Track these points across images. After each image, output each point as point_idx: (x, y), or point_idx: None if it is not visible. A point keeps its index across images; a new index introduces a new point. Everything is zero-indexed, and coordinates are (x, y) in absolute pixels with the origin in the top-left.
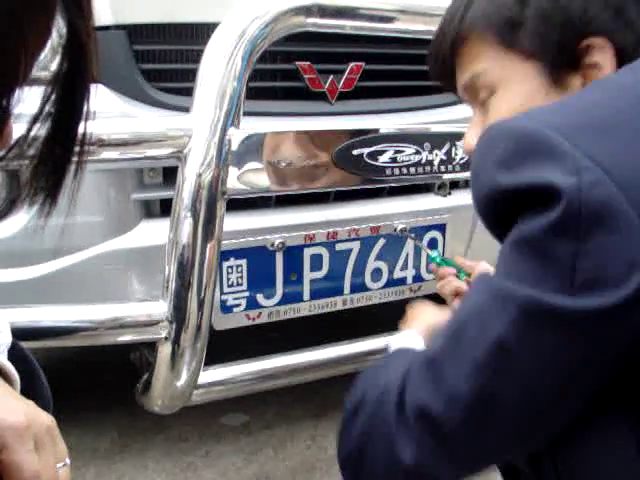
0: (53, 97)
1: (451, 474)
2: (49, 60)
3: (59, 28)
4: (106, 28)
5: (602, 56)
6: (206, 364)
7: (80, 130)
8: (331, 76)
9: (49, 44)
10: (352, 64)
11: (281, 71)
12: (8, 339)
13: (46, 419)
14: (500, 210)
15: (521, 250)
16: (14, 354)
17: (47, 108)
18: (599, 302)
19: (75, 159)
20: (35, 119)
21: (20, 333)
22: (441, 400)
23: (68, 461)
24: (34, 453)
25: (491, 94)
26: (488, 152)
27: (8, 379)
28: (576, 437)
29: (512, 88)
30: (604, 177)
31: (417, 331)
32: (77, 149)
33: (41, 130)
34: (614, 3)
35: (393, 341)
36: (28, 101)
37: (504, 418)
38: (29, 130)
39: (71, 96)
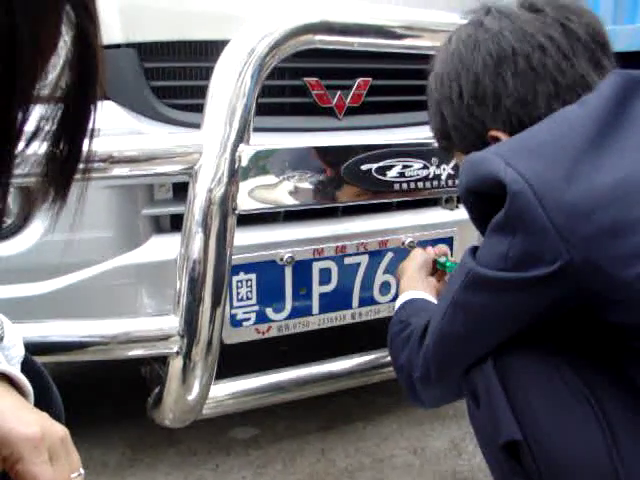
0: (59, 114)
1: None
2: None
3: (66, 43)
4: (117, 46)
5: (502, 138)
6: (216, 378)
7: (85, 147)
8: (339, 92)
9: (54, 61)
10: (359, 80)
11: (289, 87)
12: (21, 352)
13: (60, 430)
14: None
15: (488, 234)
16: (27, 367)
17: (51, 125)
18: (520, 276)
19: (80, 176)
20: (37, 136)
21: (33, 348)
22: (430, 336)
23: (82, 471)
24: (49, 464)
25: None
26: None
27: (22, 391)
28: (514, 349)
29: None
30: (526, 188)
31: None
32: (82, 166)
33: (44, 147)
34: (491, 103)
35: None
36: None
37: (455, 340)
38: (26, 146)
39: (76, 113)
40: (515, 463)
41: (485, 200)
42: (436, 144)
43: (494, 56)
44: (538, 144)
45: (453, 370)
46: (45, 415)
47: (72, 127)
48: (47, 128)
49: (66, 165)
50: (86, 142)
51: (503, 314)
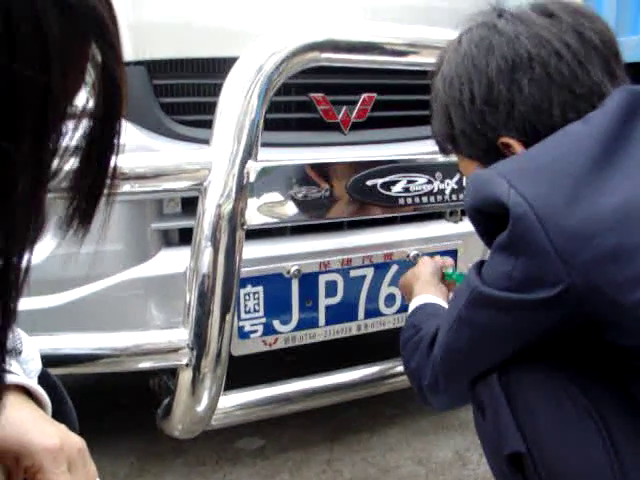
0: (87, 131)
1: (443, 392)
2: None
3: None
4: (127, 64)
5: (514, 145)
6: (224, 389)
7: (111, 163)
8: (344, 107)
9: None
10: (364, 95)
11: (296, 103)
12: (38, 366)
13: (78, 441)
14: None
15: (493, 254)
16: (43, 380)
17: (81, 142)
18: (524, 298)
19: (106, 191)
20: (69, 153)
21: (46, 360)
22: (438, 348)
23: None
24: (68, 474)
25: None
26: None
27: (40, 404)
28: (520, 364)
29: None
30: (529, 211)
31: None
32: (108, 182)
33: (73, 163)
34: (504, 109)
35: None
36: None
37: (461, 354)
38: (62, 163)
39: (104, 130)
40: (519, 475)
41: (490, 218)
42: (440, 154)
43: (509, 61)
44: (542, 165)
45: (460, 381)
46: (63, 427)
47: (101, 144)
48: (79, 143)
49: (95, 182)
50: (112, 159)
51: (506, 332)
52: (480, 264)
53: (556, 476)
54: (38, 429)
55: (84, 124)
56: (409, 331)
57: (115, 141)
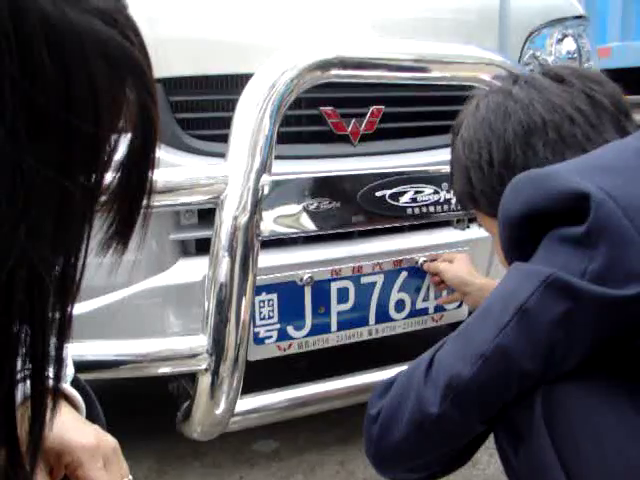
0: (125, 160)
1: (464, 421)
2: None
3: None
4: None
5: None
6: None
7: (147, 186)
8: (353, 120)
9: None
10: (373, 108)
11: (307, 116)
12: (72, 371)
13: (112, 441)
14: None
15: (555, 248)
16: (75, 385)
17: (123, 160)
18: (602, 292)
19: (145, 204)
20: (113, 169)
21: (73, 365)
22: (467, 360)
23: (131, 477)
24: (104, 470)
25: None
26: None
27: (75, 406)
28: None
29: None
30: (608, 199)
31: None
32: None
33: (116, 179)
34: (520, 171)
35: None
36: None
37: (513, 362)
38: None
39: (140, 160)
40: None
41: (536, 225)
42: (461, 209)
43: (525, 126)
44: (607, 163)
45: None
46: (98, 427)
47: (138, 172)
48: (122, 161)
49: (135, 196)
50: (148, 182)
51: (585, 331)
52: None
53: None
54: (76, 429)
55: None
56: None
57: (150, 172)
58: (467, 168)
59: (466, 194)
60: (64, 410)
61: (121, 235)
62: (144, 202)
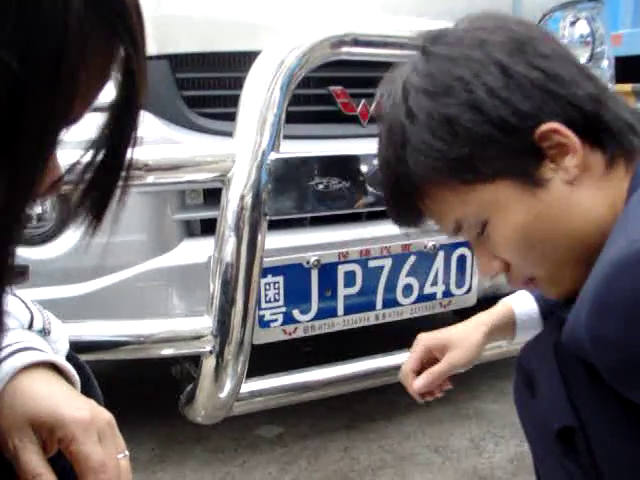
0: (105, 125)
1: None
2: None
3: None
4: (150, 58)
5: (560, 134)
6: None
7: (127, 156)
8: (363, 100)
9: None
10: None
11: (315, 96)
12: (66, 346)
13: (107, 415)
14: None
15: None
16: (70, 360)
17: (99, 136)
18: None
19: (121, 183)
20: (88, 146)
21: (71, 347)
22: None
23: (127, 452)
24: (99, 444)
25: (484, 226)
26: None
27: (69, 380)
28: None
29: (501, 215)
30: None
31: None
32: (123, 174)
33: (91, 156)
34: (538, 87)
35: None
36: (76, 128)
37: None
38: (81, 156)
39: (121, 124)
40: (569, 448)
41: None
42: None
43: (513, 41)
44: None
45: None
46: (92, 401)
47: (116, 136)
48: (97, 137)
49: (110, 173)
50: (129, 151)
51: None
52: None
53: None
54: (69, 403)
55: (103, 116)
56: None
57: (132, 134)
58: (449, 121)
59: (456, 160)
60: (55, 383)
61: (95, 212)
62: (122, 177)
